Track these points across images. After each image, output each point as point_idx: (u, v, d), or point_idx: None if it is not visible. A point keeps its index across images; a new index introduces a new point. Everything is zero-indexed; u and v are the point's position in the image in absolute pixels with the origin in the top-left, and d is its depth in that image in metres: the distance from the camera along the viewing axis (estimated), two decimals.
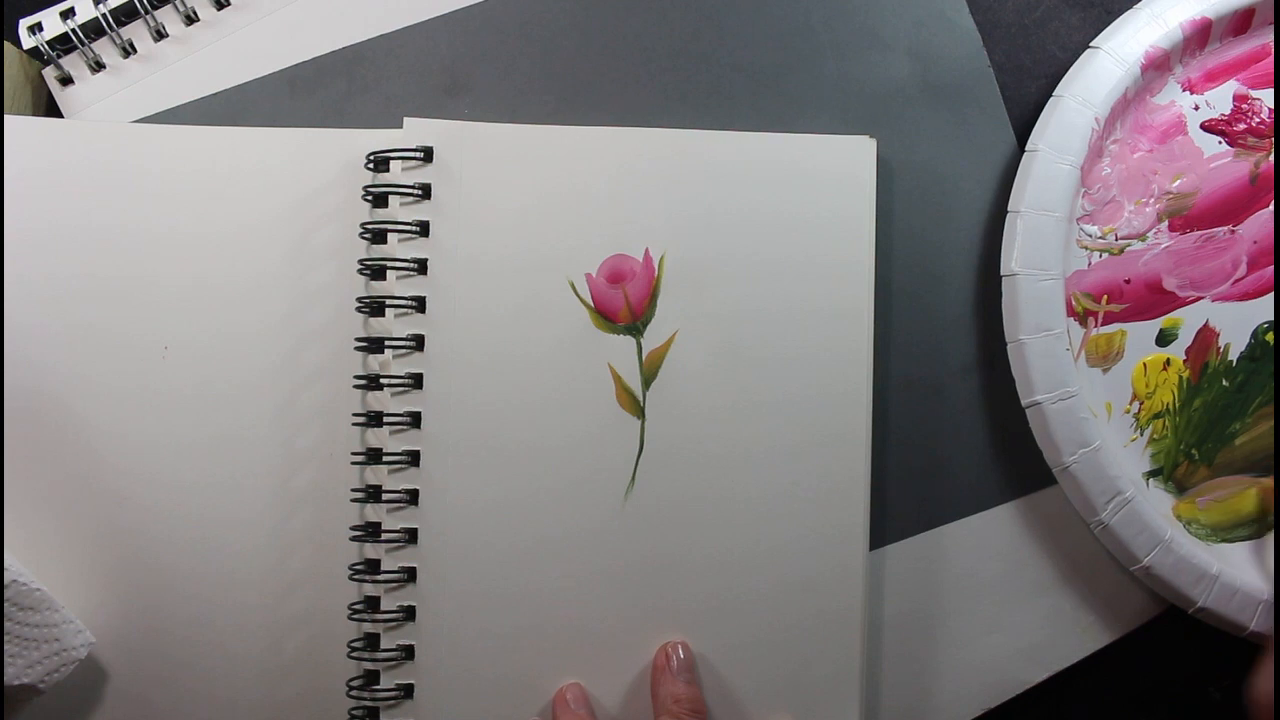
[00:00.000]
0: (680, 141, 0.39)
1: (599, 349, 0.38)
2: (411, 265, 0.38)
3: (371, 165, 0.39)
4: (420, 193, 0.38)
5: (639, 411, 0.38)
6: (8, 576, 0.36)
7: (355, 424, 0.38)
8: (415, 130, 0.39)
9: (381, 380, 0.38)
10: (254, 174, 0.39)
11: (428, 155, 0.38)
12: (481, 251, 0.38)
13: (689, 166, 0.39)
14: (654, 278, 0.39)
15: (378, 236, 0.39)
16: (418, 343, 0.38)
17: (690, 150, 0.39)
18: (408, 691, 0.37)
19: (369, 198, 0.39)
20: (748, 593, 0.38)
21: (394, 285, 0.38)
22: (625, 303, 0.38)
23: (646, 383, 0.38)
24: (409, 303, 0.38)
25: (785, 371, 0.38)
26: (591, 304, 0.38)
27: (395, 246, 0.38)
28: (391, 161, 0.39)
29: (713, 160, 0.39)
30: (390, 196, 0.39)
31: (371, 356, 0.38)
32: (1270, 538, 0.40)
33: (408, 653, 0.37)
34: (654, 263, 0.39)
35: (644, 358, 0.38)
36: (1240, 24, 0.41)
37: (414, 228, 0.38)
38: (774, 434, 0.38)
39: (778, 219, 0.39)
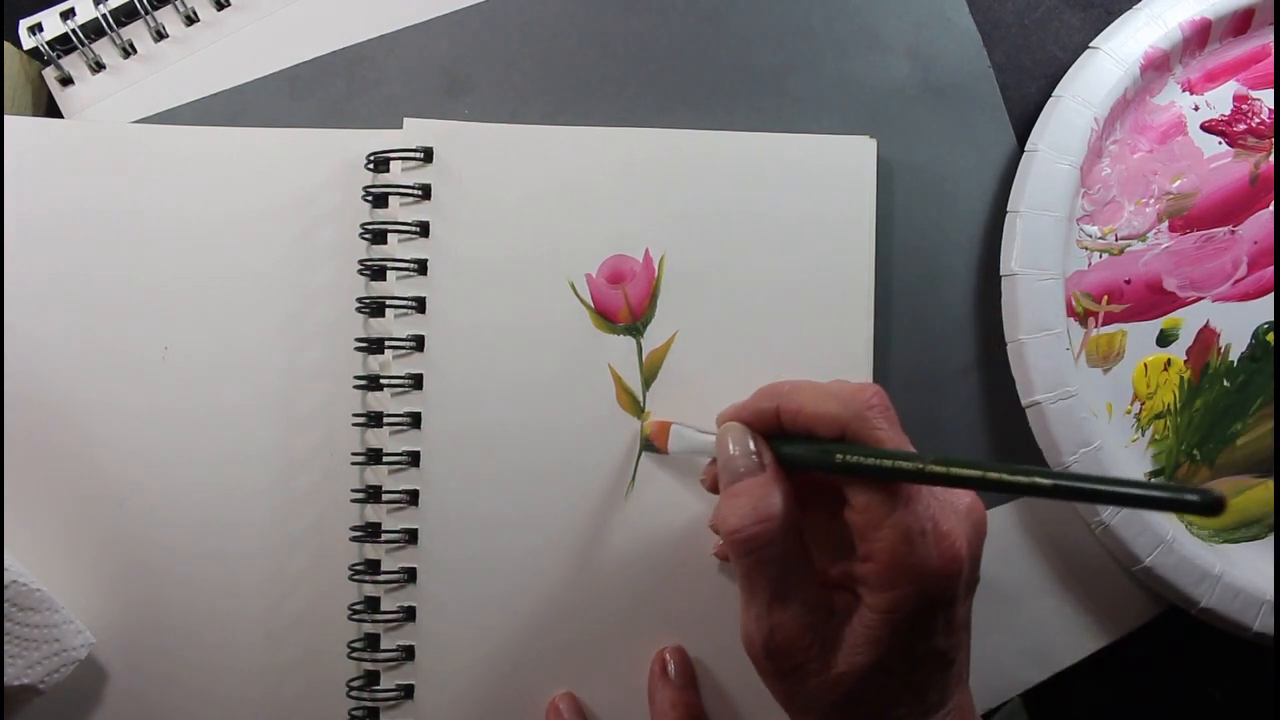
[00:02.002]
0: (680, 142, 0.39)
1: (599, 349, 0.38)
2: (411, 265, 0.38)
3: (371, 166, 0.39)
4: (420, 193, 0.38)
5: (639, 412, 0.38)
6: (8, 577, 0.36)
7: (355, 424, 0.38)
8: (415, 130, 0.39)
9: (381, 381, 0.38)
10: (254, 174, 0.39)
11: (428, 156, 0.38)
12: (481, 252, 0.38)
13: (689, 167, 0.39)
14: (654, 278, 0.39)
15: (378, 237, 0.39)
16: (418, 343, 0.38)
17: (690, 150, 0.39)
18: (408, 692, 0.37)
19: (369, 198, 0.39)
20: None
21: (394, 285, 0.38)
22: (625, 303, 0.38)
23: (647, 383, 0.38)
24: (409, 303, 0.38)
25: (786, 372, 0.38)
26: (591, 304, 0.38)
27: (395, 247, 0.38)
28: (391, 162, 0.39)
29: (713, 160, 0.39)
30: (390, 197, 0.39)
31: (371, 357, 0.38)
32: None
33: (408, 653, 0.37)
34: (654, 263, 0.39)
35: (644, 358, 0.38)
36: (1240, 24, 0.41)
37: (414, 228, 0.38)
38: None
39: (778, 219, 0.39)
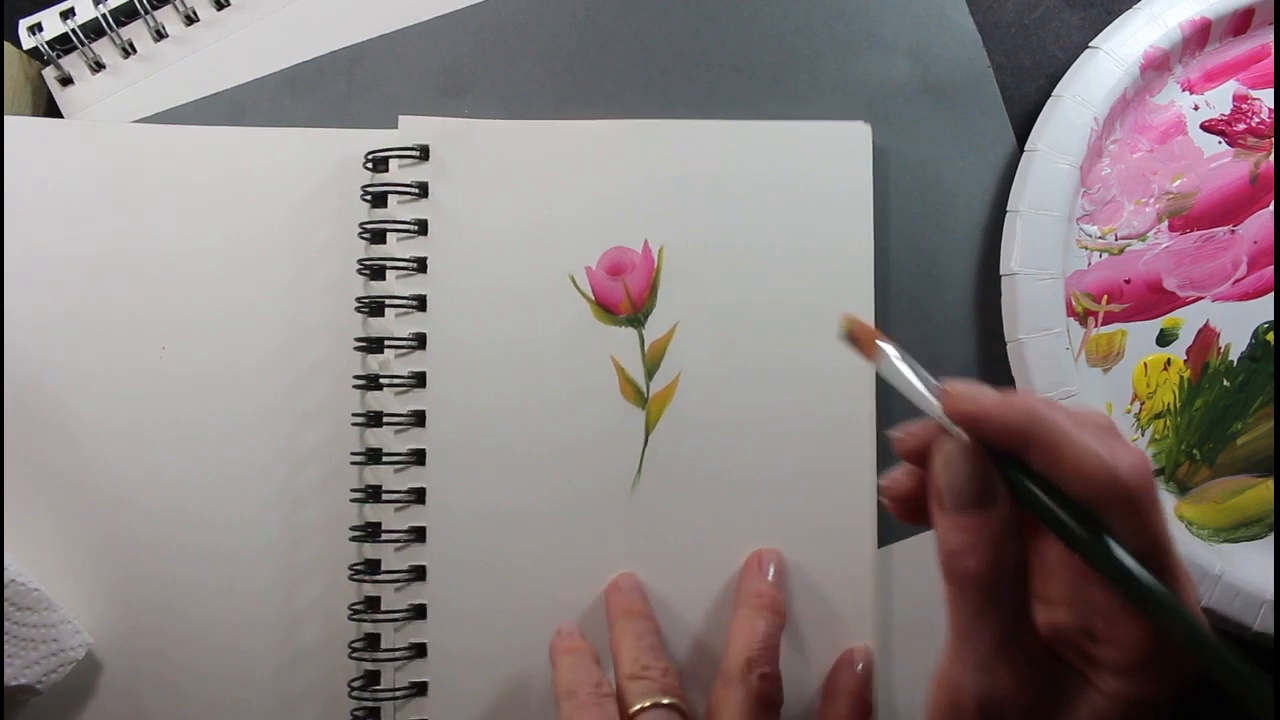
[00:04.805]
0: (675, 132, 0.39)
1: (601, 342, 0.38)
2: (411, 264, 0.38)
3: (370, 165, 0.39)
4: (417, 191, 0.38)
5: (643, 403, 0.38)
6: (6, 576, 0.36)
7: (355, 424, 0.38)
8: (411, 128, 0.39)
9: (381, 380, 0.38)
10: (254, 174, 0.39)
11: (424, 153, 0.38)
12: (480, 248, 0.38)
13: (685, 157, 0.39)
14: (654, 269, 0.39)
15: (377, 236, 0.39)
16: (419, 341, 0.38)
17: (686, 140, 0.39)
18: (420, 689, 0.37)
19: (368, 197, 0.39)
20: None
21: (394, 285, 0.38)
22: (626, 295, 0.38)
23: (649, 374, 0.38)
24: (409, 302, 0.38)
25: (789, 358, 0.38)
26: (592, 297, 0.38)
27: (394, 245, 0.38)
28: (390, 161, 0.39)
29: (709, 149, 0.39)
30: (389, 196, 0.39)
31: (371, 356, 0.38)
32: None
33: (419, 650, 0.37)
34: (653, 254, 0.39)
35: (646, 349, 0.38)
36: (1240, 24, 0.41)
37: (412, 226, 0.38)
38: (779, 421, 0.38)
39: (776, 206, 0.39)
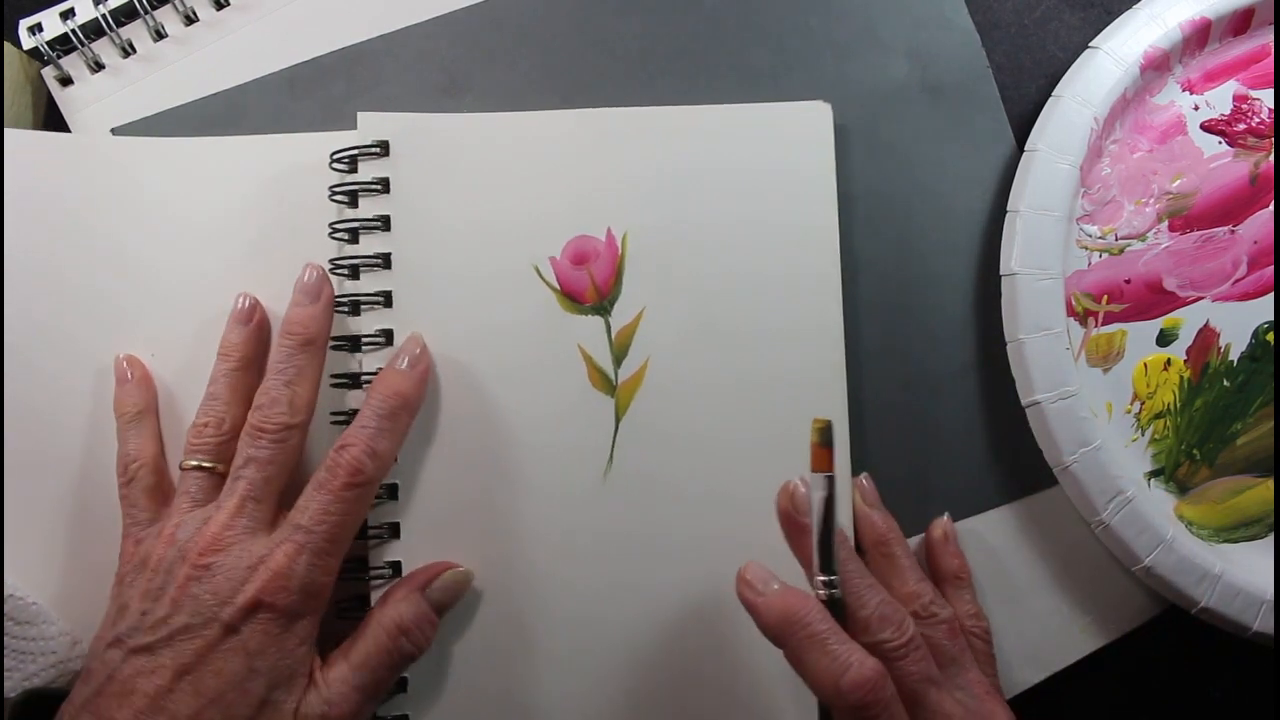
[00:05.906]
0: (635, 119, 0.39)
1: (568, 331, 0.38)
2: (376, 260, 0.38)
3: (344, 166, 0.38)
4: (379, 187, 0.38)
5: (612, 390, 0.38)
6: (5, 591, 0.36)
7: (335, 422, 0.38)
8: (369, 125, 0.38)
9: (362, 378, 0.37)
10: (241, 178, 0.39)
11: (384, 149, 0.38)
12: (443, 242, 0.38)
13: (646, 143, 0.39)
14: (618, 256, 0.39)
15: (354, 236, 0.38)
16: (386, 337, 0.38)
17: (646, 126, 0.39)
18: (401, 685, 0.37)
19: (339, 198, 0.38)
20: (731, 569, 0.38)
21: (363, 282, 0.38)
22: (591, 283, 0.38)
23: (618, 361, 0.38)
24: (375, 297, 0.38)
25: (756, 340, 0.38)
26: (557, 287, 0.38)
27: (361, 242, 0.38)
28: (359, 160, 0.38)
29: (669, 135, 0.39)
30: (360, 194, 0.38)
31: (350, 355, 0.38)
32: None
33: None
34: (617, 241, 0.39)
35: (613, 336, 0.38)
36: (1240, 24, 0.41)
37: (376, 222, 0.38)
38: (749, 404, 0.38)
39: (738, 189, 0.39)
